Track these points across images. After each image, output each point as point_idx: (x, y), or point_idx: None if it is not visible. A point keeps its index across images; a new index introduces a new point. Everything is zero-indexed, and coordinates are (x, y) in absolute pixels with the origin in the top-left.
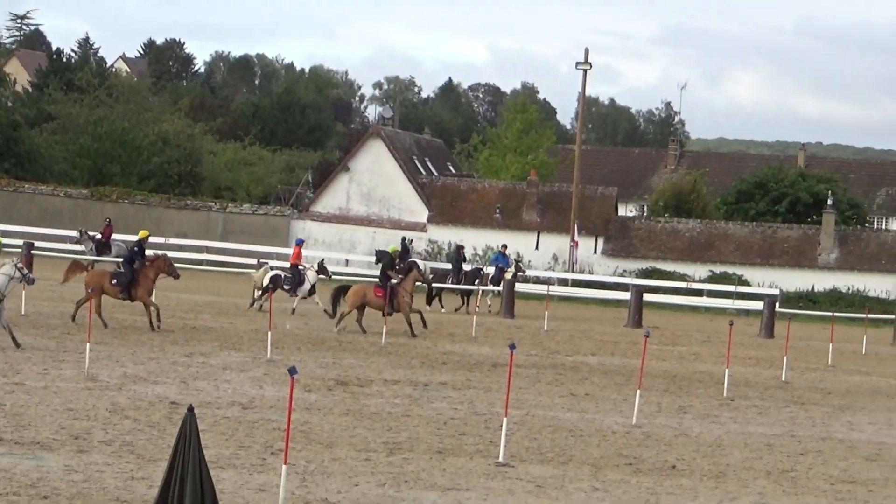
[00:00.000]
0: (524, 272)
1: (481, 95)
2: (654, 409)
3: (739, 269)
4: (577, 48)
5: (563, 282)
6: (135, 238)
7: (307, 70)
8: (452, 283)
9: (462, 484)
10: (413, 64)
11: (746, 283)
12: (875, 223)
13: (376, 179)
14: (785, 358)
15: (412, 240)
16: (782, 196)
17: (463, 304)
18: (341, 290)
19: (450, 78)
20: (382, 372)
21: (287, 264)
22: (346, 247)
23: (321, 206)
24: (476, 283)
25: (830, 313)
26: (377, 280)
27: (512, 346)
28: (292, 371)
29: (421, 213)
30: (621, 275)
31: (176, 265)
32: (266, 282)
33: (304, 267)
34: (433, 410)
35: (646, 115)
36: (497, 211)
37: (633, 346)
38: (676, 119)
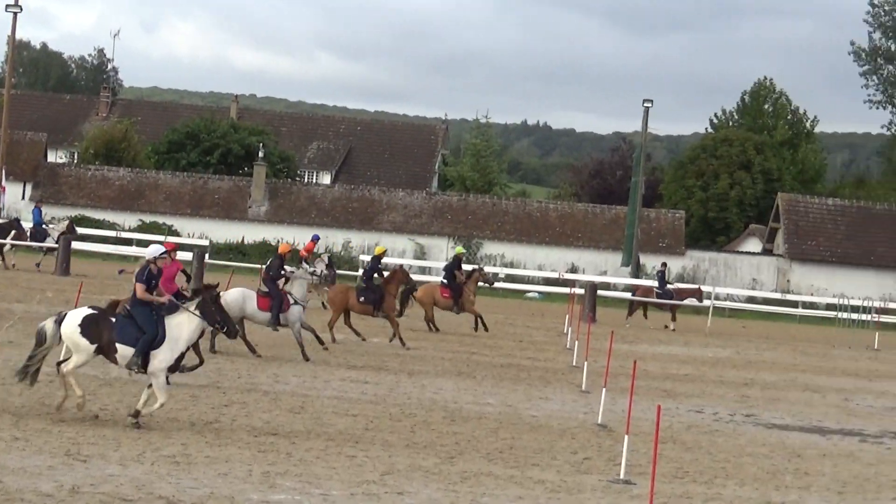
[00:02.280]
0: (76, 232)
1: None
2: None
3: (170, 219)
4: None
5: None
6: None
7: None
8: None
9: None
10: None
11: (176, 234)
12: (306, 177)
13: None
14: None
15: None
16: (214, 147)
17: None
18: (410, 292)
19: None
20: None
21: None
22: None
23: None
24: (9, 237)
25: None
26: (442, 281)
27: None
28: None
29: None
30: (50, 222)
31: None
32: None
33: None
34: None
35: (78, 61)
36: None
37: (62, 293)
38: (109, 66)
